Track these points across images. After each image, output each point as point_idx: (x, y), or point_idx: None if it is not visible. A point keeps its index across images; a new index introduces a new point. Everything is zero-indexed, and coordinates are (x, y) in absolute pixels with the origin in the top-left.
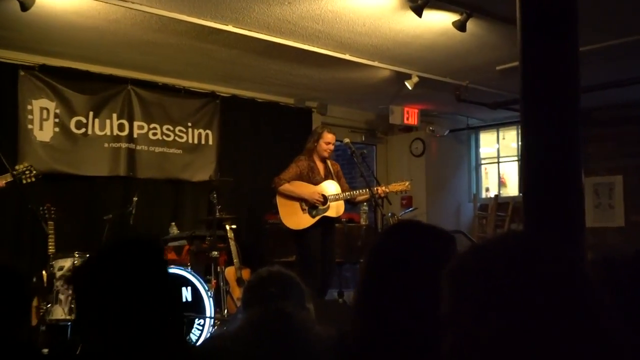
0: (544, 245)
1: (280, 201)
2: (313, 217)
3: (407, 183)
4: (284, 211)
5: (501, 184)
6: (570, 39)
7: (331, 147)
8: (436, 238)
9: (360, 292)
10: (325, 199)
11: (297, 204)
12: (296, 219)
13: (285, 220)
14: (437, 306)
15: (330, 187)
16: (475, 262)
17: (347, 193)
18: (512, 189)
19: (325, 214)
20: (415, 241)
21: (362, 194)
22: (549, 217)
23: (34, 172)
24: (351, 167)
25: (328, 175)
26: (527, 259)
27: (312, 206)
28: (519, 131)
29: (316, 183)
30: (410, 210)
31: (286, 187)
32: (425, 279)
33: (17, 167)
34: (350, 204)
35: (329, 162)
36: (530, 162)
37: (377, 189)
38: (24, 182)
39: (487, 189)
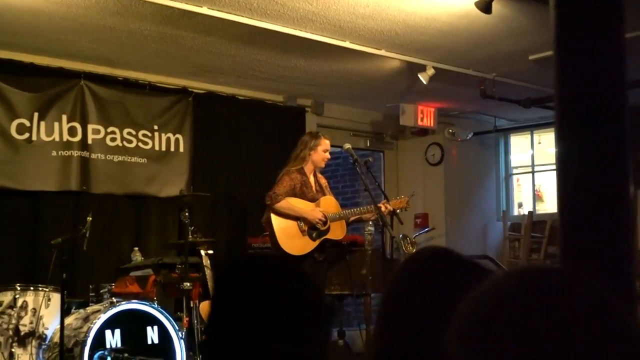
0: (572, 292)
1: (276, 221)
2: (314, 239)
3: (405, 199)
4: (282, 233)
5: (537, 198)
6: (615, 22)
7: (328, 155)
8: (473, 274)
9: (377, 336)
10: (326, 219)
11: (295, 225)
12: (296, 242)
13: (283, 244)
14: None
15: (329, 205)
16: (479, 324)
17: (348, 211)
18: (551, 205)
19: (326, 237)
20: (449, 279)
21: (365, 211)
22: (589, 240)
23: None
24: (353, 178)
25: (320, 190)
26: (547, 314)
27: (311, 227)
28: None
29: (312, 199)
30: (426, 231)
31: (284, 203)
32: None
33: None
34: (346, 223)
35: (317, 174)
36: (566, 172)
37: (381, 206)
38: None
39: (520, 205)
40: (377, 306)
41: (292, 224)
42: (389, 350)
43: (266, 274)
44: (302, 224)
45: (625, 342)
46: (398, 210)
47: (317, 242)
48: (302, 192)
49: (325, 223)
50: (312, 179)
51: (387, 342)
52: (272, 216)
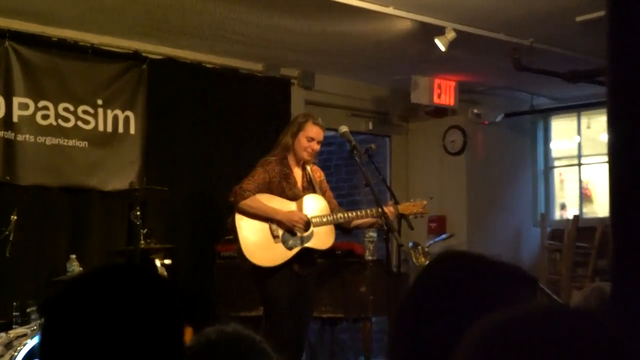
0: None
1: (240, 223)
2: (289, 248)
3: (423, 203)
4: (247, 238)
5: (584, 197)
6: None
7: (315, 145)
8: (511, 283)
9: None
10: (307, 223)
11: (266, 228)
12: (265, 250)
13: (247, 251)
14: None
15: (313, 205)
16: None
17: (339, 215)
18: (602, 207)
19: (307, 245)
20: (479, 288)
21: (362, 216)
22: None
23: None
24: (351, 171)
25: (308, 187)
26: None
27: (288, 232)
28: None
29: (293, 198)
30: (443, 239)
31: (252, 201)
32: None
33: None
34: (344, 230)
35: (309, 167)
36: (621, 164)
37: (387, 209)
38: None
39: (563, 206)
40: (389, 332)
41: (262, 227)
42: None
43: (100, 295)
44: (276, 227)
45: None
46: (411, 217)
47: (295, 251)
48: (280, 187)
49: (306, 228)
50: (297, 172)
51: None
52: (237, 217)
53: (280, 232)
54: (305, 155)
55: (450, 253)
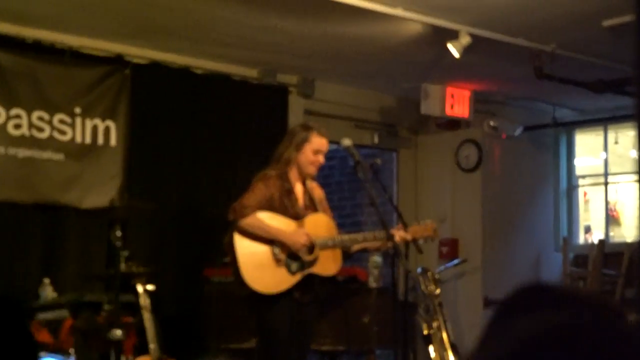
0: None
1: (241, 243)
2: (293, 273)
3: (432, 226)
4: (248, 261)
5: (611, 219)
6: None
7: (322, 159)
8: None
9: None
10: (312, 245)
11: (267, 251)
12: (266, 275)
13: (247, 276)
14: None
15: (318, 225)
16: None
17: (346, 237)
18: (631, 230)
19: (311, 270)
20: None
21: (370, 238)
22: None
23: None
24: (354, 188)
25: (310, 205)
26: None
27: (290, 255)
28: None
29: (295, 216)
30: (455, 264)
31: (253, 220)
32: None
33: None
34: (344, 254)
35: (308, 183)
36: None
37: (394, 232)
38: None
39: (587, 229)
40: None
41: (263, 249)
42: None
43: None
44: (278, 250)
45: None
46: (421, 241)
47: (298, 276)
48: (281, 205)
49: (311, 251)
50: (299, 189)
51: None
52: (236, 237)
53: (282, 255)
54: (312, 170)
55: (534, 286)
